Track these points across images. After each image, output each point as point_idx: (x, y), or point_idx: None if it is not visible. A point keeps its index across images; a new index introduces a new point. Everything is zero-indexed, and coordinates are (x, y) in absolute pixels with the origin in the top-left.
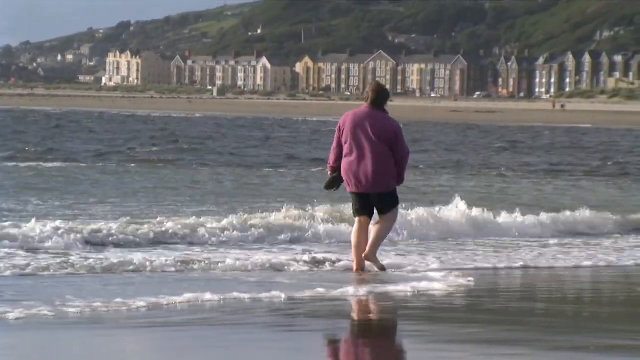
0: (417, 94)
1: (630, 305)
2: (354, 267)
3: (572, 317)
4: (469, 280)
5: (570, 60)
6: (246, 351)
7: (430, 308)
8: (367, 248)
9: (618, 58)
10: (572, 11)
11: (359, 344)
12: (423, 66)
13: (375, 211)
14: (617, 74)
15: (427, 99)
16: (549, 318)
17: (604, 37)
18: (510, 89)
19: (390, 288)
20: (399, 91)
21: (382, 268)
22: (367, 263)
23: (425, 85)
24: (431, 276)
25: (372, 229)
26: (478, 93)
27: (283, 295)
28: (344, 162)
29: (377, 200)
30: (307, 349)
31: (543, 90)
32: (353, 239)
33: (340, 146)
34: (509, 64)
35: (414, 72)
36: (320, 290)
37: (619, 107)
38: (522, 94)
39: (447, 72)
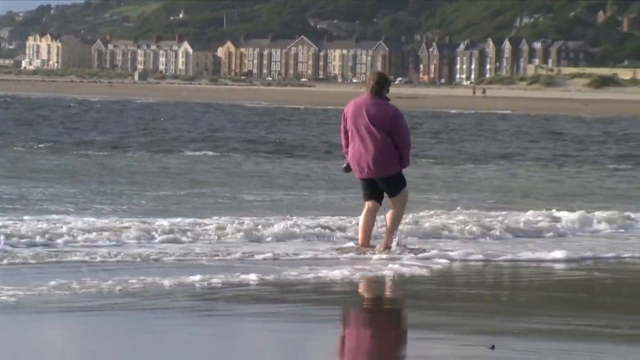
0: (339, 80)
1: (549, 290)
2: (360, 242)
3: (492, 301)
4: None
5: (490, 47)
6: (165, 336)
7: (357, 294)
8: (385, 237)
9: (537, 45)
10: None
11: (271, 330)
12: (345, 52)
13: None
14: (537, 61)
15: (349, 85)
16: (469, 303)
17: (524, 24)
18: (431, 75)
19: (334, 272)
20: (320, 77)
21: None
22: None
23: (347, 70)
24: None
25: (387, 219)
26: (399, 79)
27: (214, 280)
28: (350, 150)
29: (383, 184)
30: (227, 334)
31: (464, 76)
32: (360, 220)
33: (346, 133)
34: (430, 50)
35: (335, 57)
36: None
37: (538, 94)
38: (443, 80)
39: (369, 58)
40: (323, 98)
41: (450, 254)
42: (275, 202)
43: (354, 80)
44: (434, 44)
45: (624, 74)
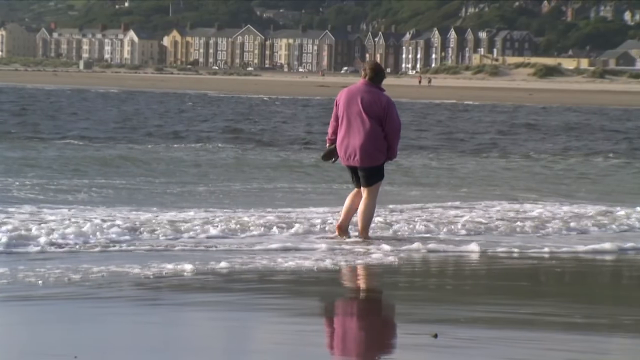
0: (285, 69)
1: (493, 279)
2: (337, 223)
3: (435, 290)
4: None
5: (436, 37)
6: (109, 325)
7: (298, 282)
8: (360, 231)
9: (483, 35)
10: None
11: (217, 318)
12: (291, 41)
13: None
14: (482, 50)
15: (295, 74)
16: (413, 291)
17: (469, 14)
18: None
19: (288, 263)
20: (267, 66)
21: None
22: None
23: (293, 60)
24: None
25: (358, 211)
26: (345, 68)
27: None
28: (338, 137)
29: (362, 172)
30: (171, 322)
31: (409, 65)
32: (347, 200)
33: (337, 120)
34: (376, 39)
35: (282, 46)
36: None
37: (483, 83)
38: (389, 70)
39: (315, 47)
40: (266, 87)
41: (404, 247)
42: (226, 193)
43: (300, 70)
44: (380, 33)
45: (568, 63)
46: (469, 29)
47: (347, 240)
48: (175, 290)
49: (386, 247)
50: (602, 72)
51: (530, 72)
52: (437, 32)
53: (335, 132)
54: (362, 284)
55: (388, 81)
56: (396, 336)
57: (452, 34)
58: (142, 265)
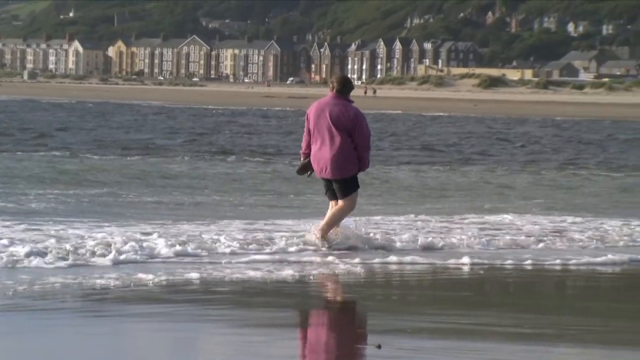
0: (231, 79)
1: (438, 289)
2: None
3: (382, 300)
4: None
5: (381, 47)
6: (51, 337)
7: (244, 292)
8: (321, 225)
9: (428, 45)
10: None
11: (160, 329)
12: (237, 51)
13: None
14: (427, 61)
15: (241, 84)
16: (360, 302)
17: (414, 25)
18: (323, 75)
19: (222, 272)
20: (212, 76)
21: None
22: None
23: (239, 70)
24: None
25: (330, 211)
26: (291, 79)
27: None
28: (312, 150)
29: (337, 185)
30: (115, 334)
31: (355, 76)
32: (328, 213)
33: (309, 134)
34: (322, 50)
35: (227, 57)
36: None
37: (428, 94)
38: None
39: (261, 58)
40: (212, 97)
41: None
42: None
43: (246, 80)
44: (326, 44)
45: (512, 74)
46: (414, 40)
47: (308, 248)
48: (119, 302)
49: (333, 258)
50: (545, 83)
51: (474, 82)
52: (382, 42)
53: (308, 146)
54: (309, 294)
55: None
56: (341, 347)
57: (398, 45)
58: (85, 277)
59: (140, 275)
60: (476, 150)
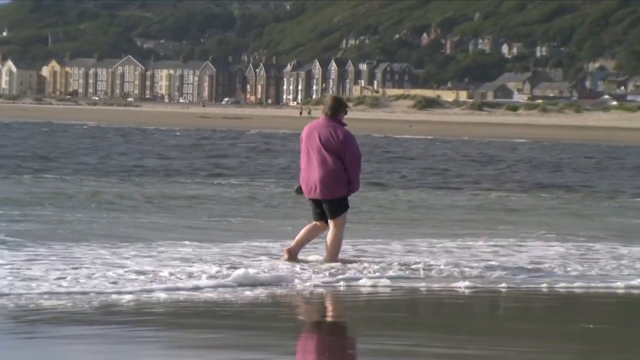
0: (166, 100)
1: (370, 310)
2: (287, 247)
3: (317, 323)
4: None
5: (317, 68)
6: None
7: (177, 314)
8: (327, 256)
9: (363, 66)
10: (319, 20)
11: (94, 351)
12: (172, 72)
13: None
14: (362, 82)
15: (176, 105)
16: (290, 324)
17: (350, 46)
18: (259, 96)
19: (157, 294)
20: (147, 96)
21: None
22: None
23: (174, 90)
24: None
25: (327, 242)
26: (227, 99)
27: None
28: (301, 172)
29: (326, 205)
30: (46, 356)
31: (290, 97)
32: (303, 230)
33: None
34: (257, 70)
35: (162, 77)
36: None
37: (363, 115)
38: (270, 101)
39: (196, 78)
40: (147, 118)
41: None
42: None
43: (181, 100)
44: (261, 64)
45: (447, 95)
46: (350, 61)
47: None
48: (50, 324)
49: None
50: (480, 105)
51: (410, 103)
52: (318, 63)
53: None
54: (240, 315)
55: (269, 112)
56: None
57: (333, 66)
58: (18, 298)
59: (75, 297)
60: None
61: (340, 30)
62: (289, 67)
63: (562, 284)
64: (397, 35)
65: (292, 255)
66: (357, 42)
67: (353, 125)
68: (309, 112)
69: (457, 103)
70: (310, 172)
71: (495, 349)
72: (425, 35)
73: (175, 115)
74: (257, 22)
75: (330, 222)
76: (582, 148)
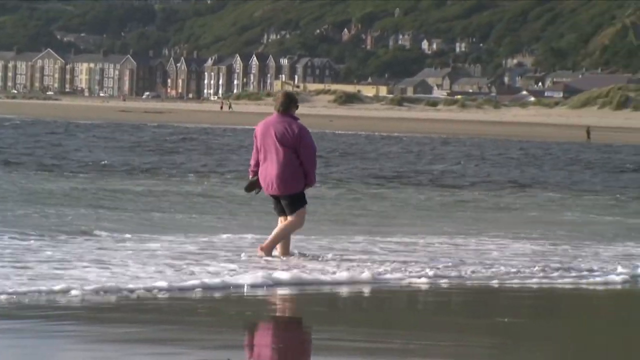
0: (86, 93)
1: (296, 304)
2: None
3: (232, 317)
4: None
5: (238, 63)
6: None
7: (97, 309)
8: (266, 242)
9: (284, 61)
10: (240, 14)
11: (12, 345)
12: (92, 65)
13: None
14: (283, 77)
15: (96, 99)
16: (209, 317)
17: (271, 41)
18: (180, 90)
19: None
20: (67, 90)
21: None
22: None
23: (94, 84)
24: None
25: (278, 227)
26: (147, 93)
27: None
28: (260, 168)
29: (284, 201)
30: None
31: (211, 91)
32: (275, 229)
33: (258, 152)
34: (178, 65)
35: (83, 71)
36: None
37: None
38: (191, 95)
39: (117, 72)
40: (65, 112)
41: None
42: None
43: (101, 94)
44: (182, 58)
45: (368, 90)
46: (271, 56)
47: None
48: None
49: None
50: (400, 100)
51: (330, 98)
52: (239, 58)
53: (257, 164)
54: (159, 310)
55: (190, 106)
56: None
57: (254, 60)
58: None
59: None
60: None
61: (261, 24)
62: (210, 62)
63: (480, 280)
64: (318, 31)
65: (267, 251)
66: (278, 36)
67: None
68: (230, 107)
69: (377, 98)
70: (267, 169)
71: (413, 343)
72: (346, 30)
73: (96, 109)
74: (178, 16)
75: (289, 217)
76: (504, 144)
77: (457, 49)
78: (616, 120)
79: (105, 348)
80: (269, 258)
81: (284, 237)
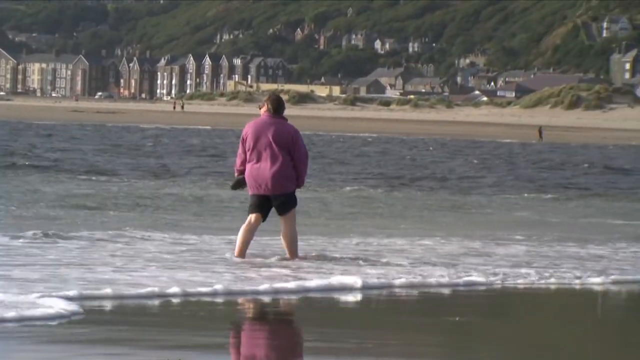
0: (38, 94)
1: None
2: (236, 253)
3: (183, 316)
4: None
5: (191, 63)
6: None
7: None
8: (290, 257)
9: (237, 61)
10: (193, 14)
11: None
12: (44, 65)
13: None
14: (237, 77)
15: (48, 99)
16: (158, 318)
17: (224, 41)
18: (132, 90)
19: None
20: (19, 90)
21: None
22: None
23: (47, 84)
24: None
25: (282, 238)
26: (100, 93)
27: None
28: (248, 167)
29: (278, 201)
30: None
31: (164, 91)
32: (240, 232)
33: (245, 152)
34: (131, 65)
35: (35, 71)
36: None
37: (237, 109)
38: (144, 95)
39: (69, 72)
40: (18, 112)
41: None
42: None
43: (54, 95)
44: (135, 58)
45: (321, 90)
46: (224, 56)
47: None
48: None
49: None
50: (353, 100)
51: (284, 98)
52: (192, 58)
53: (243, 164)
54: (108, 311)
55: (143, 106)
56: None
57: (207, 60)
58: None
59: None
60: None
61: (214, 24)
62: (162, 62)
63: (433, 279)
64: (271, 30)
65: (243, 255)
66: (231, 36)
67: (228, 120)
68: (182, 107)
69: (330, 98)
70: (260, 169)
71: (365, 342)
72: (299, 30)
73: (49, 109)
74: (130, 16)
75: (281, 219)
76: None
77: (410, 49)
78: (568, 120)
79: (52, 349)
80: (301, 261)
81: (296, 241)
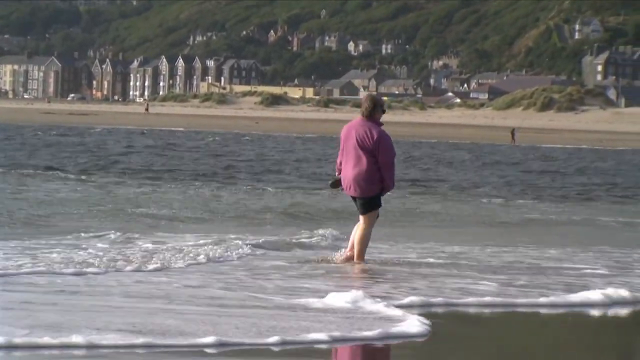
0: (10, 95)
1: None
2: (345, 255)
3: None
4: None
5: (164, 64)
6: None
7: None
8: (356, 257)
9: (210, 63)
10: (166, 16)
11: None
12: (16, 67)
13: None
14: (210, 79)
15: (21, 101)
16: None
17: (197, 42)
18: (105, 92)
19: None
20: None
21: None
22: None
23: (19, 86)
24: None
25: (355, 238)
26: (72, 95)
27: None
28: (342, 169)
29: (358, 202)
30: None
31: (137, 93)
32: (353, 232)
33: (340, 154)
34: (104, 66)
35: (6, 73)
36: None
37: (211, 111)
38: (117, 97)
39: (41, 74)
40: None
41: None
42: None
43: (26, 96)
44: (108, 60)
45: (294, 92)
46: (197, 57)
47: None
48: None
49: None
50: (326, 101)
51: (257, 100)
52: (165, 59)
53: (341, 164)
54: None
55: (116, 108)
56: None
57: (180, 62)
58: None
59: None
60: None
61: (187, 26)
62: (135, 63)
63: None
64: (244, 32)
65: (362, 259)
66: (204, 38)
67: (201, 122)
68: (147, 109)
69: (303, 100)
70: (346, 170)
71: None
72: (272, 32)
73: (21, 111)
74: (103, 18)
75: (361, 218)
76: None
77: (383, 51)
78: (540, 122)
79: None
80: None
81: (366, 244)
